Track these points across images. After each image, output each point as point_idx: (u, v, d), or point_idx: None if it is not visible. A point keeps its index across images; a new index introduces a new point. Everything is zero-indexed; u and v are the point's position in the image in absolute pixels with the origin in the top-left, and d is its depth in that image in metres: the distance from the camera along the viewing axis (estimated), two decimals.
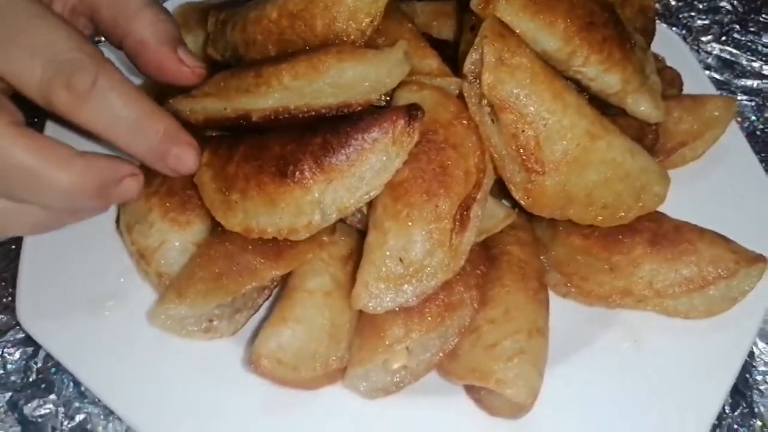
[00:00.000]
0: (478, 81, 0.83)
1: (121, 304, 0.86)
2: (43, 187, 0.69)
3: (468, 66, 0.84)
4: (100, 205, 0.78)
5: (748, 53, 1.33)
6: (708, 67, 1.32)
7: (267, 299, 0.87)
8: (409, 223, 0.78)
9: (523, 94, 0.82)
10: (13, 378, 0.89)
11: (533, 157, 0.83)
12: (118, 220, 0.92)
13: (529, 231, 0.94)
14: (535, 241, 0.93)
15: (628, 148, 0.87)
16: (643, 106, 0.95)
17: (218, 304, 0.82)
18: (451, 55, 0.96)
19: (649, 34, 1.10)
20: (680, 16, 1.40)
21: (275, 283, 0.86)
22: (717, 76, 1.30)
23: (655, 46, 1.11)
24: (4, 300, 0.96)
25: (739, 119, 1.23)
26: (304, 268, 0.84)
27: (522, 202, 0.84)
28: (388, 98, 0.87)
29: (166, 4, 1.20)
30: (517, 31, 0.86)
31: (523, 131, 0.82)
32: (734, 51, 1.33)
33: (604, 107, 0.97)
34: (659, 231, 0.89)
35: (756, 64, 1.31)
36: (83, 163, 0.71)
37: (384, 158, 0.77)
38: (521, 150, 0.83)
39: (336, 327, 0.81)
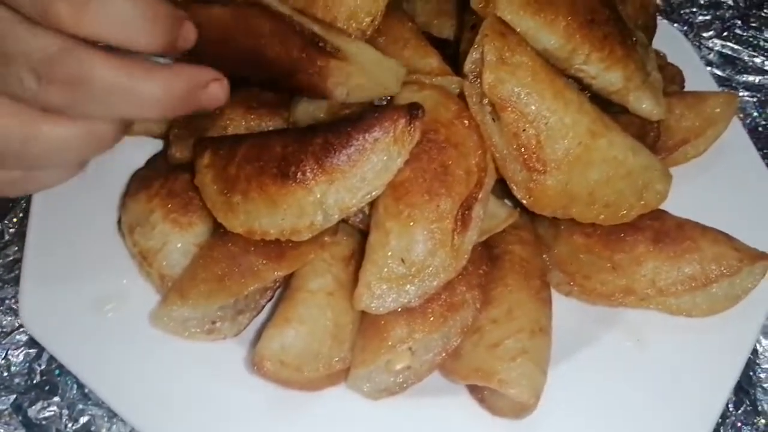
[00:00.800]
0: (478, 80, 0.83)
1: (124, 305, 0.86)
2: (137, 99, 0.68)
3: (469, 65, 0.84)
4: (190, 108, 0.74)
5: (750, 49, 1.33)
6: (710, 63, 1.31)
7: (270, 300, 0.86)
8: (411, 223, 0.77)
9: (524, 93, 0.82)
10: (17, 380, 0.89)
11: (535, 156, 0.82)
12: (119, 222, 0.92)
13: (531, 230, 0.94)
14: (537, 241, 0.93)
15: (630, 146, 0.87)
16: (644, 104, 0.95)
17: (221, 305, 0.82)
18: (452, 54, 0.96)
19: (651, 30, 1.10)
20: (682, 12, 1.40)
21: (278, 284, 0.86)
22: (719, 72, 1.30)
23: (657, 43, 1.11)
24: (7, 302, 0.96)
25: (741, 115, 1.22)
26: (307, 269, 0.84)
27: (524, 202, 0.84)
28: (388, 97, 0.87)
29: None
30: (518, 29, 0.86)
31: (524, 130, 0.82)
32: (736, 47, 1.33)
33: (605, 105, 0.96)
34: (662, 229, 0.89)
35: (758, 60, 1.31)
36: (168, 70, 0.70)
37: (385, 158, 0.77)
38: (523, 149, 0.82)
39: (339, 327, 0.81)
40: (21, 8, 0.63)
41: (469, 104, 0.84)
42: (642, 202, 0.87)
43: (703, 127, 1.02)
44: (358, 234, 0.87)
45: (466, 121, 0.83)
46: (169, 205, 0.88)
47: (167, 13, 0.70)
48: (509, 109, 0.82)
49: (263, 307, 0.86)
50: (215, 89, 0.74)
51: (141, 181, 0.91)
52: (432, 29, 1.07)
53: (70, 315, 0.84)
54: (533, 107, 0.82)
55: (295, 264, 0.82)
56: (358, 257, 0.84)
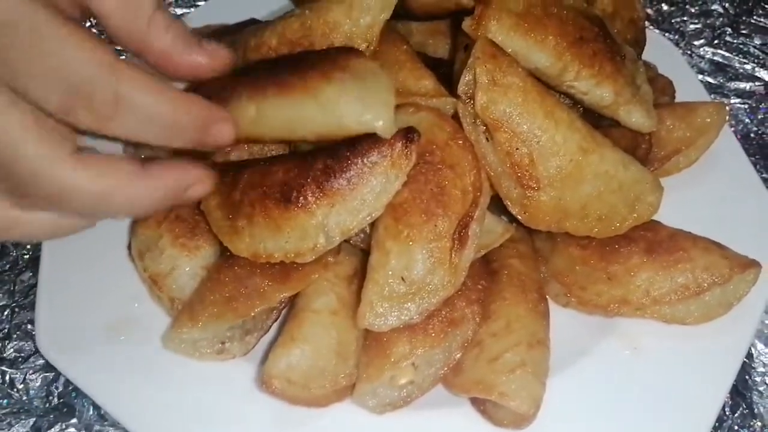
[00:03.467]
0: (472, 101, 0.86)
1: (136, 328, 0.89)
2: (114, 209, 0.70)
3: (462, 87, 0.87)
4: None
5: (740, 56, 1.35)
6: (701, 71, 1.34)
7: (276, 320, 0.90)
8: (410, 243, 0.80)
9: (515, 114, 0.85)
10: (35, 403, 0.92)
11: (528, 173, 0.85)
12: (129, 248, 0.95)
13: (528, 243, 0.97)
14: (534, 254, 0.96)
15: (621, 160, 0.90)
16: (635, 117, 0.98)
17: (230, 326, 0.85)
18: (447, 73, 0.99)
19: (640, 44, 1.13)
20: (673, 21, 1.42)
21: (284, 304, 0.89)
22: (710, 80, 1.32)
23: (648, 53, 1.14)
24: (23, 326, 1.00)
25: (732, 122, 1.25)
26: (311, 289, 0.87)
27: (519, 217, 0.87)
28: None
29: None
30: (509, 50, 0.89)
31: (517, 149, 0.85)
32: (726, 54, 1.35)
33: (597, 119, 1.00)
34: (655, 240, 0.91)
35: (748, 67, 1.33)
36: (148, 177, 0.70)
37: (384, 180, 0.80)
38: (516, 167, 0.85)
39: (343, 345, 0.84)
40: (50, 112, 0.64)
41: (463, 125, 0.87)
42: (634, 215, 0.90)
43: (693, 137, 1.05)
44: (360, 253, 0.90)
45: (460, 142, 0.85)
46: (177, 230, 0.91)
47: (197, 112, 0.72)
48: (502, 129, 0.85)
49: (270, 326, 0.89)
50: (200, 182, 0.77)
51: None
52: (427, 49, 1.11)
53: (84, 339, 0.87)
54: (525, 126, 0.85)
55: (300, 285, 0.85)
56: (360, 276, 0.87)
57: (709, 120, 1.05)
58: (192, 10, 1.42)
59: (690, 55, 1.36)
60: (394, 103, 0.78)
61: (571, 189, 0.86)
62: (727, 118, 1.07)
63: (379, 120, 0.77)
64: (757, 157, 1.20)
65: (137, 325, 0.89)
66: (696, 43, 1.38)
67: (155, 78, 0.69)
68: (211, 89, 0.82)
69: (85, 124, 0.65)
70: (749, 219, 1.01)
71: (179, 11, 1.42)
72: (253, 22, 1.15)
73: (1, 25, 0.60)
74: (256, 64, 0.92)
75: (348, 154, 0.80)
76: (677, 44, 1.37)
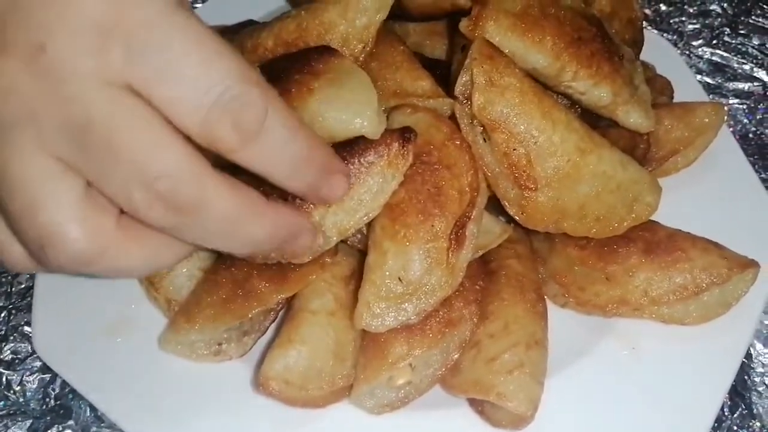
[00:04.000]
0: (469, 102, 0.86)
1: (133, 330, 0.89)
2: (239, 237, 0.65)
3: (459, 87, 0.87)
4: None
5: (739, 56, 1.35)
6: (699, 72, 1.34)
7: (273, 321, 0.89)
8: (407, 243, 0.80)
9: (513, 114, 0.85)
10: (32, 405, 0.92)
11: (525, 174, 0.85)
12: None
13: (526, 244, 0.96)
14: (532, 254, 0.96)
15: (619, 161, 0.90)
16: (633, 117, 0.97)
17: (227, 328, 0.85)
18: (444, 74, 0.99)
19: (638, 44, 1.13)
20: (671, 21, 1.42)
21: (281, 306, 0.89)
22: (709, 80, 1.32)
23: (646, 54, 1.14)
24: (21, 328, 0.99)
25: (731, 123, 1.25)
26: (308, 290, 0.86)
27: (517, 218, 0.87)
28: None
29: None
30: (506, 50, 0.89)
31: (514, 150, 0.85)
32: (725, 54, 1.35)
33: (595, 119, 0.99)
34: (653, 240, 0.91)
35: (746, 67, 1.33)
36: (274, 213, 0.67)
37: (380, 180, 0.80)
38: (513, 168, 0.85)
39: (340, 346, 0.84)
40: (185, 122, 0.56)
41: (461, 125, 0.87)
42: (633, 215, 0.89)
43: (692, 137, 1.05)
44: (357, 253, 0.90)
45: (457, 142, 0.85)
46: None
47: (323, 159, 0.68)
48: (499, 129, 0.85)
49: (267, 328, 0.89)
50: (306, 240, 0.73)
51: None
52: (424, 49, 1.10)
53: (81, 341, 0.87)
54: (522, 127, 0.85)
55: (297, 286, 0.85)
56: (357, 276, 0.87)
57: (707, 120, 1.04)
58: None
59: (688, 56, 1.36)
60: (375, 100, 0.78)
61: (568, 189, 0.86)
62: (726, 118, 1.07)
63: (365, 122, 0.77)
64: (755, 157, 1.19)
65: (134, 326, 0.89)
66: (694, 43, 1.38)
67: (297, 114, 0.66)
68: None
69: (222, 143, 0.58)
70: (748, 219, 1.01)
71: None
72: (250, 23, 1.15)
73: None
74: None
75: (344, 154, 0.80)
76: (675, 44, 1.37)
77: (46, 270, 0.63)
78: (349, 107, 0.78)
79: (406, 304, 0.79)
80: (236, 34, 1.03)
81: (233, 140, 0.58)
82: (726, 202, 1.02)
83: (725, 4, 1.44)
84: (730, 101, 1.28)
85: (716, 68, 1.34)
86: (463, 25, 0.90)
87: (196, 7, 1.42)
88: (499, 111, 0.84)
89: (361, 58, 0.92)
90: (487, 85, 0.84)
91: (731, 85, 1.31)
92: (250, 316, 0.83)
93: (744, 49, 1.36)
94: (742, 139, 1.23)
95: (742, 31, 1.39)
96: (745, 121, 1.26)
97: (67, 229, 0.57)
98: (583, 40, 0.94)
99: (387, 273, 0.80)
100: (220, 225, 0.61)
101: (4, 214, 0.61)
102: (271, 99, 0.60)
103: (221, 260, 0.88)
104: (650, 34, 1.20)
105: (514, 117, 0.84)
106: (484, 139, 0.87)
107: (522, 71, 0.88)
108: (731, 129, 1.21)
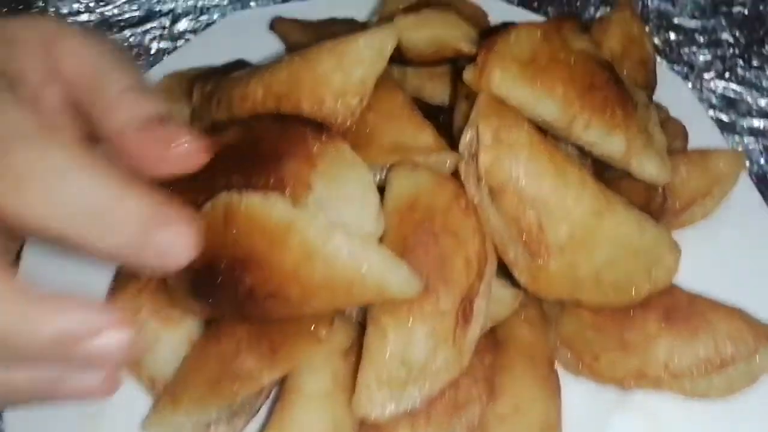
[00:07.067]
0: (474, 161, 0.80)
1: (114, 411, 0.82)
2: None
3: (464, 144, 0.81)
4: None
5: (753, 90, 1.29)
6: (712, 107, 1.28)
7: (267, 398, 0.83)
8: (410, 321, 0.74)
9: (522, 174, 0.78)
10: None
11: (536, 240, 0.79)
12: None
13: (537, 306, 0.90)
14: (543, 318, 0.89)
15: (636, 221, 0.83)
16: (648, 169, 0.91)
17: (216, 409, 0.79)
18: (447, 121, 0.93)
19: (651, 86, 1.07)
20: (681, 51, 1.36)
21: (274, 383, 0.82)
22: (723, 117, 1.26)
23: (658, 91, 1.08)
24: None
25: (747, 163, 1.18)
26: (302, 366, 0.80)
27: (528, 288, 0.81)
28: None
29: (153, 70, 1.18)
30: (514, 102, 0.83)
31: (524, 213, 0.79)
32: (738, 89, 1.29)
33: (607, 166, 0.93)
34: (672, 304, 0.85)
35: (762, 102, 1.27)
36: None
37: None
38: (524, 233, 0.79)
39: (339, 428, 0.78)
40: None
41: (466, 186, 0.80)
42: (652, 281, 0.83)
43: (709, 186, 0.99)
44: (357, 325, 0.83)
45: (463, 205, 0.79)
46: (159, 300, 0.85)
47: (141, 208, 0.54)
48: (508, 191, 0.78)
49: (260, 407, 0.83)
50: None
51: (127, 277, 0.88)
52: (424, 93, 1.04)
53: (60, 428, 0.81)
54: (533, 189, 0.78)
55: (290, 364, 0.78)
56: (358, 346, 0.80)
57: (725, 169, 0.99)
58: (180, 42, 1.36)
59: (700, 90, 1.30)
60: (377, 202, 0.73)
61: (583, 256, 0.80)
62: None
63: (364, 226, 0.72)
64: None
65: (117, 408, 0.82)
66: (706, 76, 1.32)
67: (95, 155, 0.55)
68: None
69: None
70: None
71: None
72: (241, 64, 1.10)
73: None
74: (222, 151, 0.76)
75: None
76: (686, 77, 1.31)
77: None
78: (349, 209, 0.72)
79: (410, 389, 0.73)
80: (224, 76, 0.97)
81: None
82: (747, 260, 0.96)
83: (737, 32, 1.38)
84: (745, 140, 1.23)
85: (729, 104, 1.28)
86: (468, 75, 0.84)
87: (188, 40, 1.36)
88: (508, 172, 0.78)
89: (357, 113, 0.85)
90: (495, 144, 0.78)
91: (745, 123, 1.25)
92: (239, 399, 0.77)
93: (758, 83, 1.30)
94: (759, 180, 1.17)
95: (755, 64, 1.33)
96: (762, 161, 1.20)
97: None
98: (596, 87, 0.88)
99: (388, 354, 0.74)
100: None
101: None
102: (51, 139, 0.51)
103: (210, 331, 0.82)
104: (660, 68, 1.14)
105: (524, 177, 0.78)
106: (492, 200, 0.80)
107: (532, 125, 0.82)
108: (746, 170, 1.15)
